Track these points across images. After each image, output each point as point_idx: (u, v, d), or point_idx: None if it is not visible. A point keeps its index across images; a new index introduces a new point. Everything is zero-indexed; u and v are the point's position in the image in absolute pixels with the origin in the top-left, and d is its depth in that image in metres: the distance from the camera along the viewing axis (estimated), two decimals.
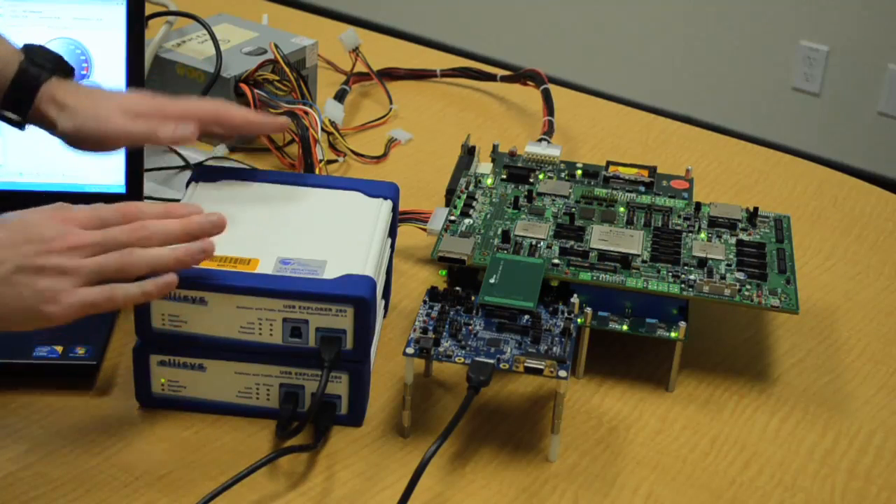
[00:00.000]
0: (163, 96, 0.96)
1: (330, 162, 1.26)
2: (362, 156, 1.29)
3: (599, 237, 1.02)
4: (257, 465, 0.84)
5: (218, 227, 0.87)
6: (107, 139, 0.94)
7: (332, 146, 1.30)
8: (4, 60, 0.93)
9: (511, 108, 1.43)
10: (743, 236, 1.04)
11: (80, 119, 0.93)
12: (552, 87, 1.35)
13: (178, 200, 0.98)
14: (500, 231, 1.02)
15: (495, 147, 1.20)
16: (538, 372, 0.87)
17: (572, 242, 1.01)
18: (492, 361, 0.87)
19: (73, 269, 0.81)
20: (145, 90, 0.98)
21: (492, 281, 0.93)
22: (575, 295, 0.94)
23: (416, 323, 0.91)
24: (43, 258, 0.80)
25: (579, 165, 1.17)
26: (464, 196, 1.08)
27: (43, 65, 0.94)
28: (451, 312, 0.92)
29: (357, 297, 0.87)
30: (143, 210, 0.86)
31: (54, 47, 0.97)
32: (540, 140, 1.23)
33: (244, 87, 1.23)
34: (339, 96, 1.35)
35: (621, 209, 1.06)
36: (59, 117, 0.94)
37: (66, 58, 0.96)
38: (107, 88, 0.97)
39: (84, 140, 0.94)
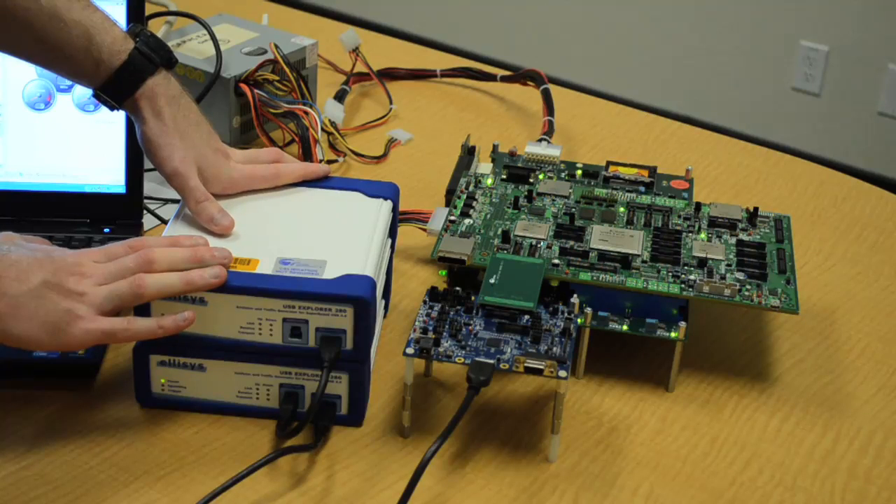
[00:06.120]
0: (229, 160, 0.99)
1: (330, 162, 1.26)
2: (362, 156, 1.29)
3: (599, 237, 1.02)
4: (257, 465, 0.84)
5: (225, 259, 0.88)
6: (161, 172, 0.97)
7: (332, 146, 1.30)
8: (114, 49, 0.95)
9: (511, 108, 1.43)
10: (743, 236, 1.04)
11: (160, 139, 0.96)
12: (552, 87, 1.35)
13: (178, 201, 0.98)
14: (500, 231, 1.02)
15: (495, 147, 1.20)
16: (538, 372, 0.87)
17: (572, 242, 1.01)
18: (492, 361, 0.87)
19: (91, 294, 0.84)
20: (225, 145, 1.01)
21: (492, 281, 0.93)
22: (575, 295, 0.94)
23: (416, 323, 0.91)
24: (66, 278, 0.84)
25: (579, 165, 1.17)
26: (464, 196, 1.08)
27: (151, 57, 0.96)
28: (451, 312, 0.92)
29: (357, 297, 0.87)
30: (150, 241, 0.89)
31: None
32: (540, 140, 1.23)
33: (244, 87, 1.23)
34: (339, 96, 1.35)
35: (621, 209, 1.06)
36: (148, 119, 0.96)
37: None
38: (198, 114, 0.99)
39: (149, 156, 0.98)
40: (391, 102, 1.39)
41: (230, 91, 1.23)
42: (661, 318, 0.97)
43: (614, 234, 1.02)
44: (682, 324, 0.96)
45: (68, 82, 1.07)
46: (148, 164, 1.01)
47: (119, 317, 0.86)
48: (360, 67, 1.40)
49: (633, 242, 1.01)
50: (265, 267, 0.90)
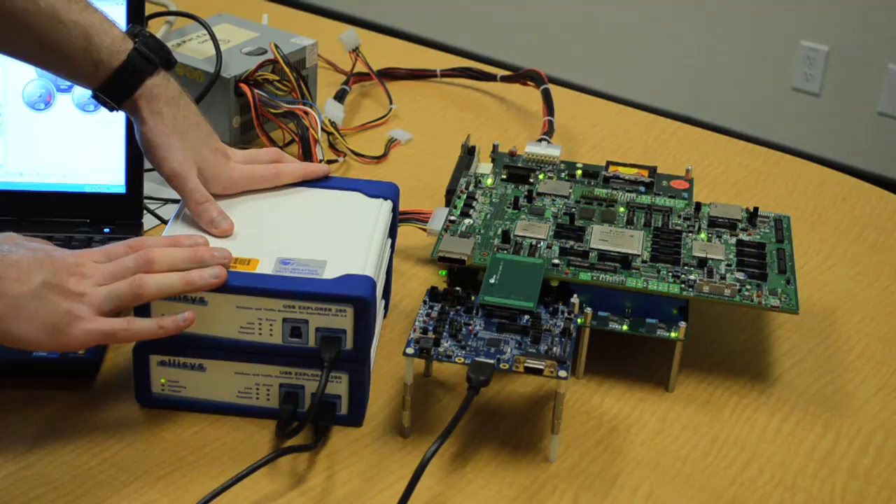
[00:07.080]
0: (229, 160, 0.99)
1: (330, 162, 1.26)
2: (362, 156, 1.29)
3: (599, 237, 1.02)
4: (257, 465, 0.84)
5: (225, 259, 0.88)
6: (161, 172, 0.97)
7: (332, 146, 1.30)
8: (113, 49, 0.95)
9: (511, 108, 1.43)
10: (743, 236, 1.04)
11: (159, 140, 0.96)
12: (552, 87, 1.35)
13: (178, 201, 0.98)
14: (500, 231, 1.02)
15: (495, 147, 1.20)
16: (538, 372, 0.87)
17: (572, 242, 1.01)
18: (492, 361, 0.87)
19: (91, 295, 0.84)
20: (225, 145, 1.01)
21: (492, 281, 0.93)
22: (575, 295, 0.94)
23: (416, 323, 0.91)
24: (66, 279, 0.84)
25: (579, 165, 1.17)
26: (464, 196, 1.08)
27: (150, 57, 0.96)
28: (451, 312, 0.92)
29: (357, 297, 0.87)
30: (150, 241, 0.89)
31: None
32: (540, 140, 1.23)
33: (244, 87, 1.23)
34: (339, 96, 1.35)
35: (621, 209, 1.06)
36: (147, 120, 0.96)
37: None
38: (197, 115, 0.99)
39: (148, 157, 0.98)
40: (391, 102, 1.39)
41: (230, 91, 1.23)
42: (661, 318, 0.97)
43: (614, 234, 1.02)
44: (682, 324, 0.96)
45: (68, 82, 1.07)
46: (148, 164, 1.01)
47: (119, 317, 0.86)
48: (360, 67, 1.40)
49: (633, 242, 1.01)
50: (265, 267, 0.90)
